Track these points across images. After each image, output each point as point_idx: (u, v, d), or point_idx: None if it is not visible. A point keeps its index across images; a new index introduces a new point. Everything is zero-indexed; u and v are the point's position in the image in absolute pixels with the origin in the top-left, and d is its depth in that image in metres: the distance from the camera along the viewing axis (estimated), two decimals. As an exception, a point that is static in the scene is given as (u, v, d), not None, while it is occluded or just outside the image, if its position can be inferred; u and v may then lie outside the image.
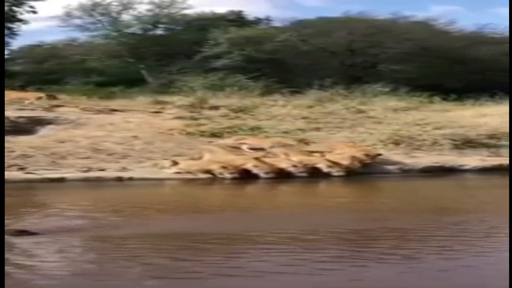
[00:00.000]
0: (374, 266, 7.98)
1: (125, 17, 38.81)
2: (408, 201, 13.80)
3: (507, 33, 39.20)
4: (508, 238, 9.10)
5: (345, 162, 17.22)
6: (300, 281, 7.42)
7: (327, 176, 16.86)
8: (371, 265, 8.04)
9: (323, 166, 17.07)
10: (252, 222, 11.05)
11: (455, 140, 20.19)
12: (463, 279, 7.59)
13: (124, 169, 16.92)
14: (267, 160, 17.18)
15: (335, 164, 17.04)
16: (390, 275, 7.65)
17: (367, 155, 17.86)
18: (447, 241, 9.47)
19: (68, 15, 38.25)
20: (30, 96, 26.38)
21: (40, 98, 25.85)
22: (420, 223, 10.80)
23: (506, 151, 19.48)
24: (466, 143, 20.24)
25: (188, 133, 20.77)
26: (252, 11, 52.25)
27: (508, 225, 9.68)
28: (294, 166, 16.79)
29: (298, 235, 9.75)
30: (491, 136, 20.83)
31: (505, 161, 18.55)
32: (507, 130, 21.13)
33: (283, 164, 16.96)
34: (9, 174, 15.07)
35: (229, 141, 19.52)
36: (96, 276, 7.56)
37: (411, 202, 13.74)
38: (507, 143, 19.93)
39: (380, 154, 18.28)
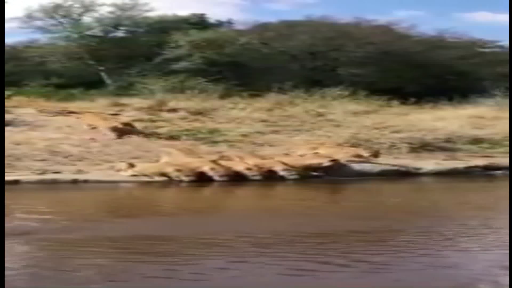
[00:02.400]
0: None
1: (87, 19, 38.61)
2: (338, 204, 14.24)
3: (466, 37, 39.74)
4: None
5: (300, 165, 17.26)
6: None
7: (282, 179, 16.87)
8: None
9: (277, 169, 17.09)
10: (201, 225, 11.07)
11: (412, 144, 20.32)
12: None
13: (80, 171, 16.82)
14: (223, 163, 17.17)
15: (290, 167, 17.05)
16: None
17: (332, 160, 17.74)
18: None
19: (29, 16, 37.94)
20: (102, 123, 21.84)
21: (115, 128, 21.02)
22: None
23: (461, 155, 19.75)
24: (423, 147, 20.37)
25: (146, 136, 20.71)
26: (215, 14, 52.13)
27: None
28: (249, 169, 16.78)
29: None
30: (447, 140, 21.00)
31: (460, 164, 18.76)
32: (463, 133, 21.45)
33: (239, 167, 16.95)
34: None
35: (303, 150, 19.34)
36: (47, 279, 7.56)
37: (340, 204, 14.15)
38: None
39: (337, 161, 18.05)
